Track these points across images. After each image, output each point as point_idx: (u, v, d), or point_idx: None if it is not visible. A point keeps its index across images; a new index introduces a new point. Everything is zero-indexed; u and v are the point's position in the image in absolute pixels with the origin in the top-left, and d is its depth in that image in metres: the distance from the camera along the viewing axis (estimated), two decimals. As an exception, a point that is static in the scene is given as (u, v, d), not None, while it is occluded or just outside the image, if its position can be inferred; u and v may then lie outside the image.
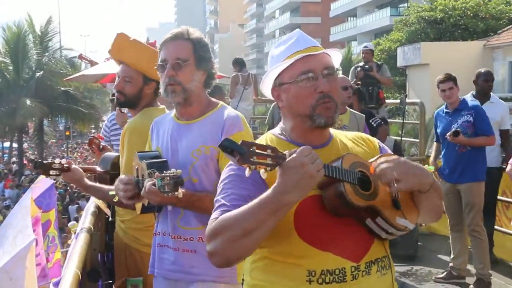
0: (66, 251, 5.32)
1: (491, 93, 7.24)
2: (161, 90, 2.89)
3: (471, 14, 30.34)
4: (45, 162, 3.64)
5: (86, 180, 3.65)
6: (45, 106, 28.64)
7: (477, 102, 6.75)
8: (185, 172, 2.74)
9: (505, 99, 9.61)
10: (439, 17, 30.40)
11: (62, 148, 40.06)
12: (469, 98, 6.88)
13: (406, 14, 35.18)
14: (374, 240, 2.10)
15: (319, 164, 1.82)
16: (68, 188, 22.63)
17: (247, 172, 1.80)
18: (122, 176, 2.93)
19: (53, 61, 30.99)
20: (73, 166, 3.65)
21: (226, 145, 1.79)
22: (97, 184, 3.69)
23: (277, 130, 2.25)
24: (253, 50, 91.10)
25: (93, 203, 4.79)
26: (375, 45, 30.11)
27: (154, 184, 2.56)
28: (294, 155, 1.82)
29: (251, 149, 1.79)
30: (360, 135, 2.34)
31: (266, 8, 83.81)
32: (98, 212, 4.64)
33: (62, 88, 30.14)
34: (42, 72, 29.25)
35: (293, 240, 2.02)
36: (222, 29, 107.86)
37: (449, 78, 6.25)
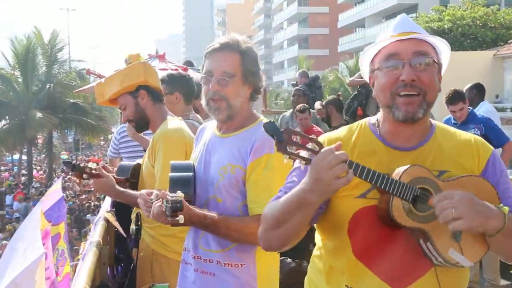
0: (76, 265, 5.31)
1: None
2: (203, 103, 2.69)
3: (480, 24, 30.27)
4: (81, 165, 3.60)
5: (117, 187, 3.59)
6: (55, 118, 28.76)
7: (486, 114, 6.72)
8: (212, 190, 2.64)
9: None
10: (447, 27, 30.35)
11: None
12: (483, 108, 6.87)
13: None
14: (432, 268, 1.92)
15: (337, 171, 1.71)
16: (78, 201, 22.66)
17: (301, 166, 1.79)
18: (140, 200, 2.75)
19: (62, 73, 31.16)
20: (104, 172, 3.58)
21: (268, 127, 1.76)
22: (130, 191, 3.61)
23: (375, 117, 2.08)
24: (261, 61, 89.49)
25: (102, 216, 4.78)
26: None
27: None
28: (315, 157, 1.74)
29: (293, 139, 1.75)
30: (472, 141, 2.03)
31: (274, 19, 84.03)
32: (107, 225, 4.63)
33: (72, 100, 30.30)
34: (51, 84, 29.40)
35: (344, 249, 1.97)
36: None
37: (458, 99, 6.11)
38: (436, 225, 1.82)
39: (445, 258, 1.85)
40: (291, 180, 2.02)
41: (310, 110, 7.67)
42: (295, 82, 11.57)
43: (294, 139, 1.74)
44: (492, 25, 30.40)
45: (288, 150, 1.74)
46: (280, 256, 5.42)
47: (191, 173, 2.69)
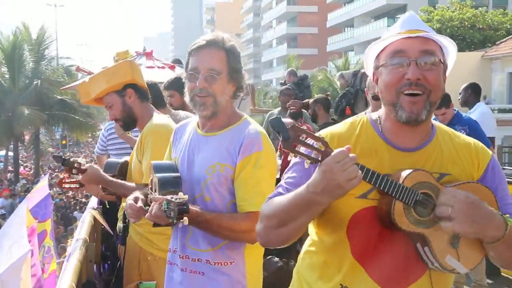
0: (62, 262, 5.28)
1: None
2: (187, 100, 2.70)
3: (469, 25, 30.48)
4: (71, 159, 3.66)
5: (106, 175, 3.62)
6: (42, 115, 28.57)
7: (481, 116, 6.76)
8: (198, 189, 2.64)
9: (504, 110, 9.65)
10: (436, 28, 30.51)
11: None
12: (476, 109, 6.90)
13: (403, 24, 35.31)
14: (426, 272, 1.93)
15: (351, 173, 1.69)
16: (64, 198, 22.53)
17: (305, 164, 1.76)
18: (131, 201, 2.73)
19: (49, 70, 30.94)
20: (87, 165, 3.62)
21: (274, 124, 1.73)
22: (119, 180, 3.65)
23: (377, 113, 2.04)
24: (250, 59, 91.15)
25: (89, 213, 4.76)
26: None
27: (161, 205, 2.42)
28: (327, 158, 1.71)
29: (300, 137, 1.72)
30: (472, 145, 2.03)
31: (263, 18, 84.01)
32: (94, 222, 4.61)
33: (59, 97, 30.04)
34: (39, 80, 29.19)
35: (342, 247, 1.96)
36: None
37: (441, 104, 6.08)
38: (435, 230, 1.83)
39: (442, 264, 1.85)
40: (291, 175, 2.00)
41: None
42: (283, 81, 11.57)
43: (301, 137, 1.73)
44: (480, 27, 30.61)
45: (294, 148, 1.73)
46: (267, 255, 5.44)
47: (178, 174, 2.68)
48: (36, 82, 28.95)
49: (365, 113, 2.13)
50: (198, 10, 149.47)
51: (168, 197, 2.39)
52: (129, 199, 2.76)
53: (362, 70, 10.11)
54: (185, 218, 2.36)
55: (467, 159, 1.99)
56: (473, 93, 7.29)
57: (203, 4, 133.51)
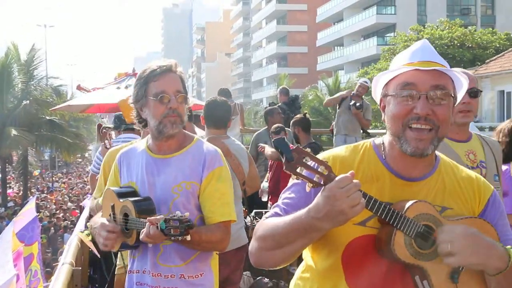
0: (49, 286, 5.20)
1: None
2: (154, 122, 2.77)
3: (458, 44, 30.80)
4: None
5: None
6: (30, 135, 28.41)
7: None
8: (166, 209, 2.72)
9: (494, 129, 9.63)
10: (425, 46, 30.78)
11: (47, 178, 39.66)
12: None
13: (393, 43, 35.63)
14: None
15: (355, 199, 1.66)
16: (53, 219, 22.31)
17: (306, 187, 1.74)
18: (104, 221, 2.77)
19: (38, 90, 30.82)
20: None
21: (278, 145, 1.72)
22: None
23: (381, 139, 2.00)
24: (240, 79, 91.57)
25: (76, 236, 4.69)
26: (363, 74, 30.46)
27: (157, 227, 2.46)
28: (331, 183, 1.68)
29: (303, 159, 1.71)
30: (475, 179, 2.00)
31: (252, 37, 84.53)
32: (81, 245, 4.55)
33: (48, 117, 29.91)
34: (27, 101, 29.06)
35: (337, 274, 1.92)
36: (209, 58, 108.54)
37: None
38: (435, 264, 1.79)
39: None
40: (289, 196, 1.96)
41: (286, 129, 7.66)
42: (273, 102, 11.60)
43: (304, 160, 1.70)
44: (470, 45, 30.94)
45: (297, 170, 1.70)
46: (257, 276, 5.38)
47: (148, 196, 2.76)
48: (25, 102, 28.81)
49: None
50: (188, 29, 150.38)
51: (167, 216, 2.44)
52: (100, 223, 2.75)
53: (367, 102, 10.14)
54: (189, 235, 2.44)
55: (469, 193, 1.96)
56: None
57: (193, 24, 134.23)
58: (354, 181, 1.69)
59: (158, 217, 2.48)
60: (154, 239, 2.53)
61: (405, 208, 1.78)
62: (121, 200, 2.74)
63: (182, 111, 2.77)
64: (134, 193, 2.80)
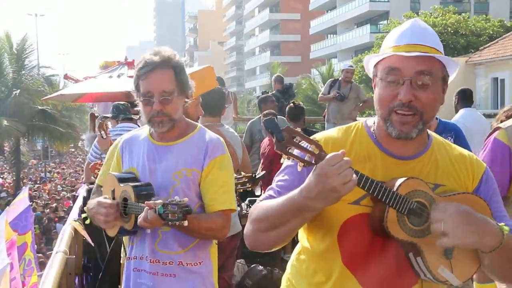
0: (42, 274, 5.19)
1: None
2: (144, 120, 2.82)
3: (452, 31, 30.75)
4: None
5: None
6: (22, 125, 28.25)
7: (463, 118, 6.75)
8: (165, 194, 2.72)
9: (489, 116, 9.66)
10: (419, 33, 30.73)
11: (40, 168, 39.50)
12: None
13: (387, 30, 35.58)
14: (417, 282, 1.90)
15: (346, 176, 1.67)
16: (46, 210, 22.25)
17: (298, 167, 1.74)
18: (100, 198, 2.82)
19: (30, 79, 30.63)
20: None
21: (268, 125, 1.72)
22: None
23: (373, 119, 2.02)
24: (233, 67, 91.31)
25: (69, 225, 4.69)
26: (357, 61, 30.39)
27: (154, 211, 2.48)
28: (322, 161, 1.69)
29: (294, 139, 1.71)
30: (467, 157, 2.02)
31: (245, 25, 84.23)
32: (75, 234, 4.54)
33: (40, 107, 29.74)
34: (18, 90, 28.88)
35: (333, 254, 1.94)
36: (202, 47, 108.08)
37: None
38: (429, 240, 1.80)
39: (434, 275, 1.82)
40: (283, 178, 1.99)
41: (279, 117, 7.66)
42: (266, 91, 11.60)
43: (295, 139, 1.70)
44: (463, 32, 30.90)
45: (287, 150, 1.70)
46: (251, 264, 5.39)
47: (149, 181, 2.77)
48: (15, 92, 28.62)
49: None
50: (181, 18, 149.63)
51: (166, 201, 2.46)
52: (97, 201, 2.79)
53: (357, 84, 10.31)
54: (186, 220, 2.45)
55: (462, 171, 1.98)
56: (460, 100, 7.19)
57: (186, 12, 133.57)
58: (345, 158, 1.69)
59: (156, 201, 2.49)
60: (152, 223, 2.54)
61: (397, 185, 1.79)
62: (121, 185, 2.77)
63: (170, 110, 2.74)
64: (134, 179, 2.81)
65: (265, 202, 1.93)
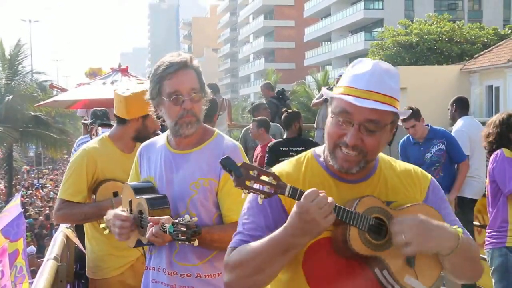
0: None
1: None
2: (170, 123, 2.71)
3: (446, 39, 30.93)
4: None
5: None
6: (15, 131, 28.13)
7: (464, 127, 6.74)
8: (183, 205, 2.69)
9: (483, 123, 9.65)
10: (414, 41, 30.87)
11: (33, 175, 39.34)
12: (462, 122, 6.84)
13: (381, 38, 35.70)
14: None
15: (326, 210, 1.76)
16: (40, 217, 22.12)
17: (259, 200, 1.82)
18: (118, 210, 2.79)
19: (23, 85, 30.52)
20: None
21: (225, 164, 1.80)
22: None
23: (320, 149, 2.09)
24: (227, 74, 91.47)
25: (61, 232, 4.65)
26: (351, 69, 30.50)
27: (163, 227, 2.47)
28: (302, 201, 1.77)
29: (251, 174, 1.79)
30: (412, 171, 2.11)
31: (240, 32, 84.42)
32: (67, 241, 4.51)
33: (33, 113, 29.62)
34: (11, 96, 28.77)
35: (299, 282, 1.98)
36: (196, 53, 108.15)
37: (410, 116, 6.07)
38: (391, 252, 1.88)
39: (402, 285, 1.90)
40: (248, 221, 2.01)
41: (271, 123, 7.72)
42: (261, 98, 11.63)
43: (252, 174, 1.79)
44: (458, 40, 31.08)
45: (247, 184, 1.78)
46: None
47: (164, 194, 2.71)
48: (8, 98, 28.51)
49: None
50: (175, 25, 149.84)
51: (175, 220, 2.44)
52: (114, 214, 2.76)
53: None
54: (196, 240, 2.43)
55: (410, 185, 2.07)
56: (458, 108, 7.16)
57: (180, 19, 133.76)
58: (321, 193, 1.78)
59: (162, 217, 2.49)
60: (161, 238, 2.52)
61: (354, 205, 1.87)
62: (137, 197, 2.72)
63: (198, 110, 2.69)
64: (152, 189, 2.76)
65: (244, 248, 1.94)
